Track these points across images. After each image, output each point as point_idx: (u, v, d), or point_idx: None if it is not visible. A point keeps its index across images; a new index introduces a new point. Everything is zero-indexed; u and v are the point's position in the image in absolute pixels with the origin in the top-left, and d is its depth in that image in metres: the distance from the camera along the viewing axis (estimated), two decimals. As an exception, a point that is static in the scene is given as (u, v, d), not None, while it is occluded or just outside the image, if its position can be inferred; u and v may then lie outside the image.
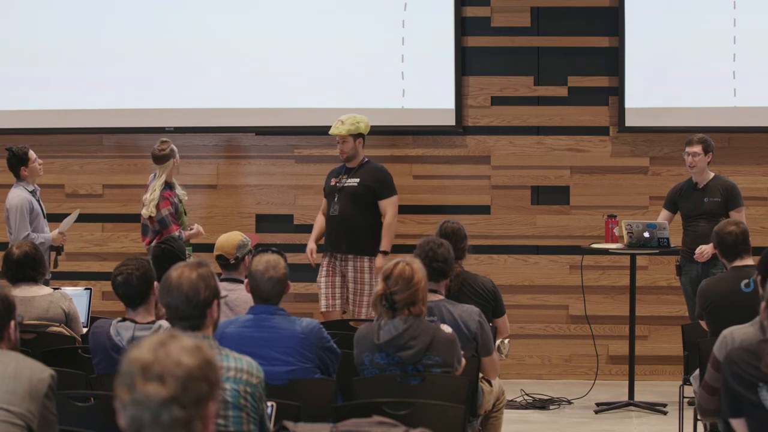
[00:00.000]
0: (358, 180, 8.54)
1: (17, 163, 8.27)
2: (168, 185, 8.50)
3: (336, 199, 8.53)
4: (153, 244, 8.19)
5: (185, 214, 8.64)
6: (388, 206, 8.58)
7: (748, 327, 4.78)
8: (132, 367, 2.40)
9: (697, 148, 8.41)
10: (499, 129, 9.63)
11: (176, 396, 2.39)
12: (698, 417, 6.33)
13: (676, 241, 8.54)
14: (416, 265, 5.14)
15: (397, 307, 5.08)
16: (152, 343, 2.44)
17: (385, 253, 8.51)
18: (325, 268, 8.60)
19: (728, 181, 8.53)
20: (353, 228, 8.50)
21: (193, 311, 4.04)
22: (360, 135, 8.53)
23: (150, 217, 8.43)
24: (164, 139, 8.63)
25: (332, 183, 8.60)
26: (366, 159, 8.63)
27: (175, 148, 8.54)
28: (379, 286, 5.11)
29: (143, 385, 2.39)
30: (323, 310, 8.53)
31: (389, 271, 5.09)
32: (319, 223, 8.74)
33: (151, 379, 2.39)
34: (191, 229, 8.57)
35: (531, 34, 9.60)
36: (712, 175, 8.51)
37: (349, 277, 8.53)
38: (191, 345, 2.45)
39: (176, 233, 8.33)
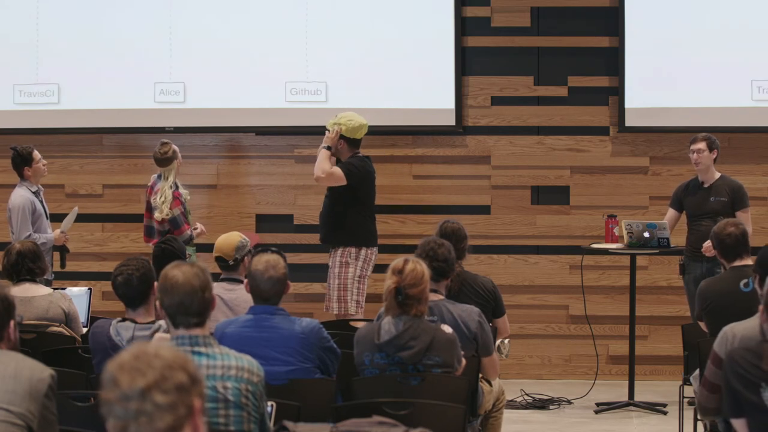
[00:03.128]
0: None
1: (21, 162, 8.27)
2: (175, 185, 8.50)
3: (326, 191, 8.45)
4: (191, 231, 8.39)
5: (189, 213, 8.65)
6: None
7: (748, 323, 4.78)
8: (113, 370, 2.48)
9: (702, 145, 8.40)
10: (499, 129, 9.64)
11: (157, 382, 2.45)
12: (698, 417, 6.33)
13: (676, 241, 8.54)
14: (424, 264, 5.17)
15: (408, 303, 5.09)
16: (129, 349, 2.52)
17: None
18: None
19: (735, 181, 8.51)
20: (328, 219, 8.30)
21: (204, 308, 4.05)
22: (342, 137, 8.24)
23: (162, 219, 8.40)
24: (164, 140, 8.60)
25: None
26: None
27: (176, 148, 8.53)
28: (391, 280, 5.11)
29: (124, 380, 2.45)
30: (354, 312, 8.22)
31: (400, 266, 5.10)
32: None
33: (131, 372, 2.46)
34: (195, 229, 8.58)
35: (531, 34, 9.60)
36: (718, 175, 8.48)
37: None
38: (167, 345, 2.56)
39: (188, 233, 8.34)
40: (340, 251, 8.23)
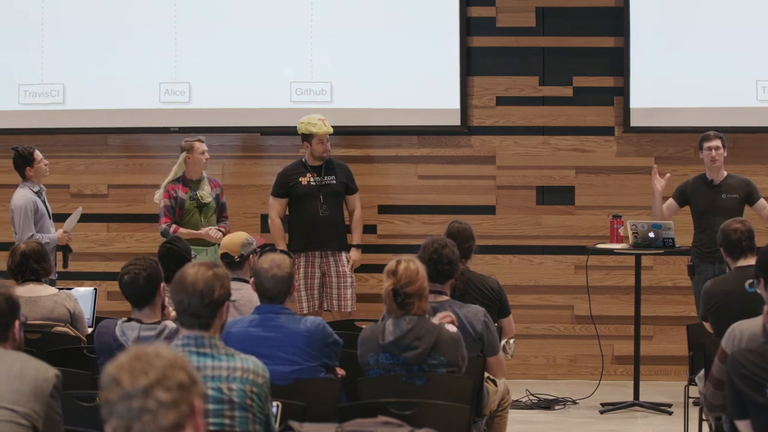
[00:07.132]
0: (334, 177, 8.76)
1: (23, 163, 8.28)
2: (181, 180, 8.60)
3: (322, 198, 8.64)
4: (170, 225, 8.45)
5: (201, 214, 8.64)
6: (357, 201, 8.89)
7: (756, 320, 4.77)
8: (113, 372, 2.49)
9: (717, 142, 8.40)
10: (504, 129, 9.63)
11: (159, 380, 2.45)
12: (703, 417, 6.33)
13: (681, 241, 8.53)
14: (417, 262, 5.17)
15: (408, 302, 5.09)
16: (128, 351, 2.53)
17: (359, 246, 8.81)
18: (302, 269, 8.62)
19: (743, 177, 8.52)
20: (340, 225, 8.77)
21: (204, 310, 4.04)
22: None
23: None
24: (200, 137, 8.78)
25: (304, 182, 8.69)
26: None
27: (195, 145, 8.62)
28: (387, 282, 5.11)
29: (126, 379, 2.46)
30: (307, 312, 8.50)
31: (394, 267, 5.10)
32: (281, 228, 8.78)
33: (132, 372, 2.46)
34: (204, 231, 8.58)
35: (536, 35, 9.59)
36: (725, 173, 8.48)
37: (331, 273, 8.65)
38: (164, 346, 2.55)
39: (163, 226, 8.46)
40: (345, 255, 8.74)
